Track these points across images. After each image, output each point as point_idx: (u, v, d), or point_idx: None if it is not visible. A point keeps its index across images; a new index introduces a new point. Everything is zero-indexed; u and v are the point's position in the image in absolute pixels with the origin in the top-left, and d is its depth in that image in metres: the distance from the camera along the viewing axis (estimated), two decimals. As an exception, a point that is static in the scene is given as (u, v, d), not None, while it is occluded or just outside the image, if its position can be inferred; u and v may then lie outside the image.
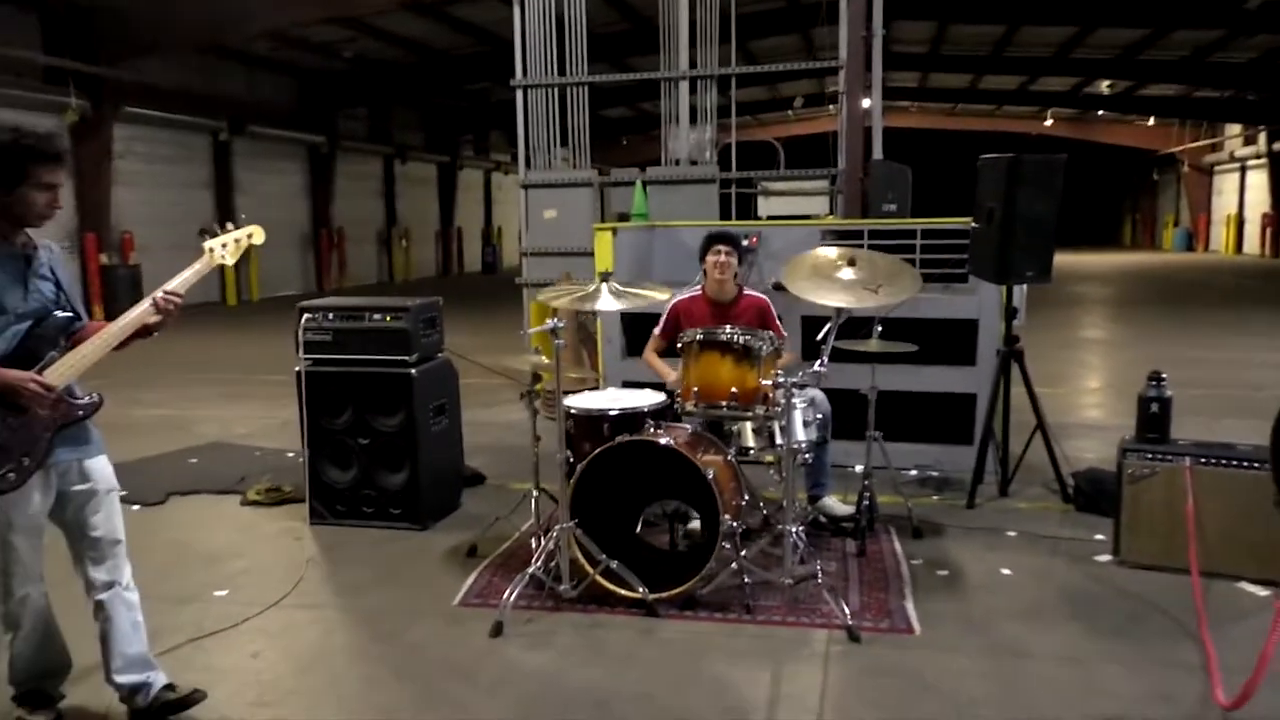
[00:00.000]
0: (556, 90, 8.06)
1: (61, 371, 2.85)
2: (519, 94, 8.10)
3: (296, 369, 5.02)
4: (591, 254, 7.86)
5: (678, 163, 7.88)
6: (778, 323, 4.83)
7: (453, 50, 22.16)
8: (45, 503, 2.96)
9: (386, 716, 3.18)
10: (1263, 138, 30.60)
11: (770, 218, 7.98)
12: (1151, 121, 35.65)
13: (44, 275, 2.97)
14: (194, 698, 3.09)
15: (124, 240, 17.36)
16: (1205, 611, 3.67)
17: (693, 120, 7.88)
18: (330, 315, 5.01)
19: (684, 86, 7.86)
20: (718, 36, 7.97)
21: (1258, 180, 31.54)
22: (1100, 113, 35.10)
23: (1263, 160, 30.76)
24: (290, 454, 6.51)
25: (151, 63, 17.12)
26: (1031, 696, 3.24)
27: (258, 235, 3.27)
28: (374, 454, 5.01)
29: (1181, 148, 35.84)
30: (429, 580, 4.34)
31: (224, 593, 4.20)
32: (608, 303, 4.00)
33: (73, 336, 2.98)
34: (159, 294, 2.94)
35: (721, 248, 4.79)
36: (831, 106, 30.10)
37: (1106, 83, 29.17)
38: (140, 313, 2.94)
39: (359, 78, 22.74)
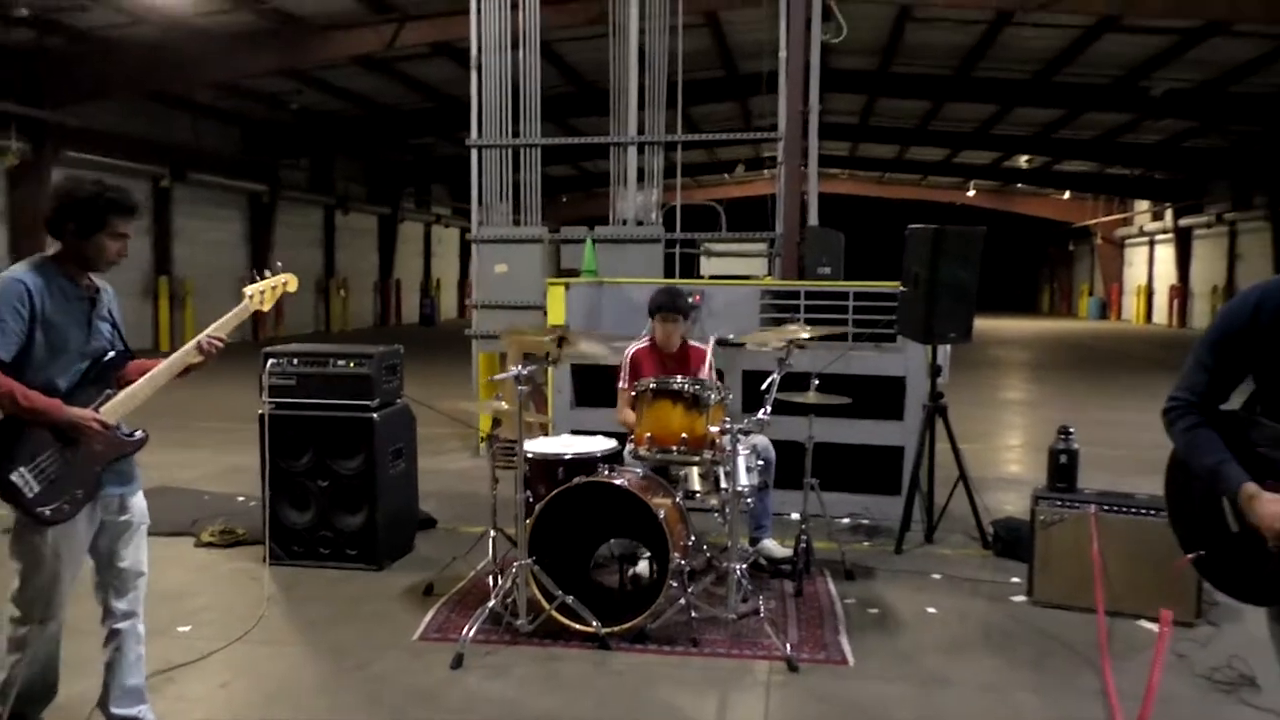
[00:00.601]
0: (510, 150, 8.39)
1: (115, 409, 3.04)
2: (474, 153, 8.42)
3: (260, 412, 5.18)
4: (540, 308, 8.19)
5: (625, 223, 8.26)
6: (713, 373, 5.14)
7: (399, 105, 22.50)
8: (89, 534, 3.11)
9: (362, 735, 3.35)
10: (1169, 214, 32.43)
11: (712, 277, 8.36)
12: (1067, 195, 37.48)
13: (104, 316, 3.16)
14: None
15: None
16: (1108, 646, 4.04)
17: (639, 182, 8.28)
18: (294, 360, 5.20)
19: (632, 151, 8.27)
20: (664, 103, 8.42)
21: (1165, 254, 33.32)
22: (1019, 185, 36.82)
23: (1169, 235, 32.54)
24: (240, 498, 6.61)
25: (93, 107, 17.11)
26: (943, 713, 3.55)
27: (292, 284, 3.50)
28: (333, 496, 5.18)
29: (1095, 221, 37.73)
30: (388, 617, 4.51)
31: (187, 628, 4.31)
32: (589, 346, 4.29)
33: (118, 378, 3.17)
34: (203, 337, 3.16)
35: (664, 315, 5.10)
36: (767, 171, 31.17)
37: (1025, 158, 30.72)
38: (183, 354, 3.15)
39: (303, 128, 22.90)
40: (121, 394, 3.10)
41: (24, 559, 3.05)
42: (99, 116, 17.50)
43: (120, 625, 3.21)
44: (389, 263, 30.73)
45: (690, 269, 8.71)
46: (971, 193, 37.43)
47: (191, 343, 3.19)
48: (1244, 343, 2.34)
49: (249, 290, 3.44)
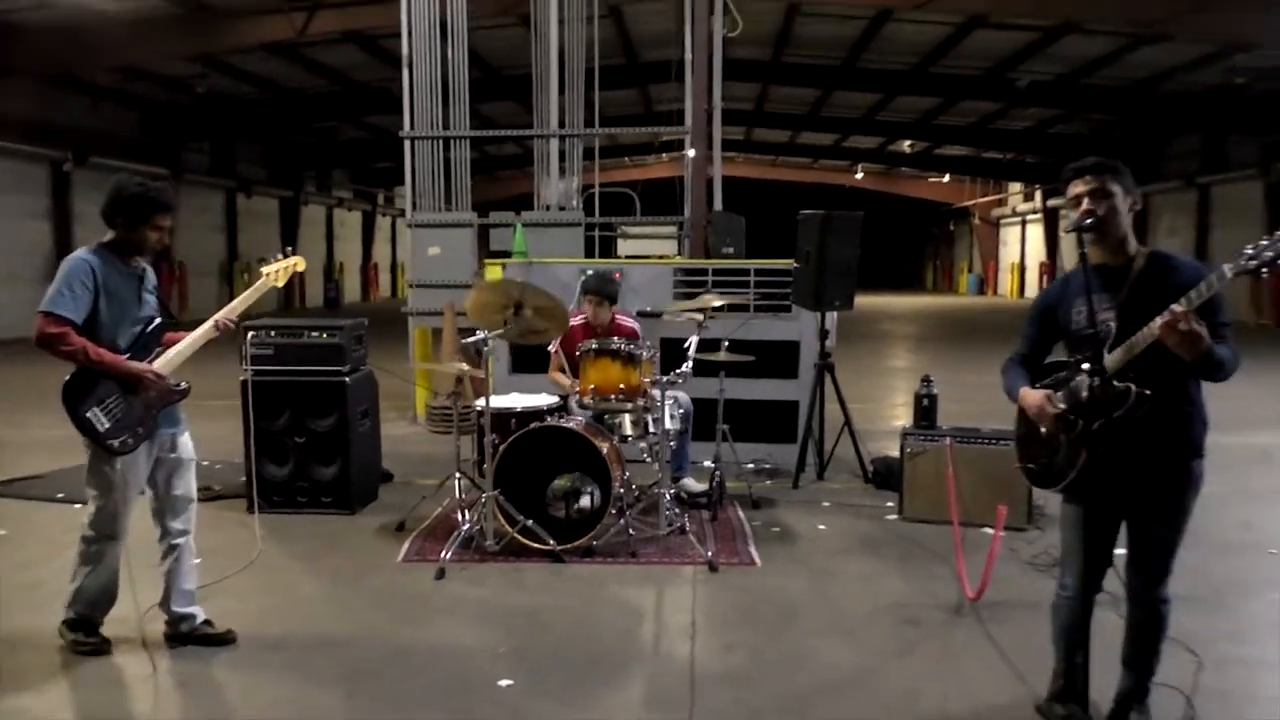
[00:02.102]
0: (441, 141, 9.10)
1: (163, 365, 3.77)
2: (407, 144, 9.10)
3: (242, 378, 5.85)
4: (470, 286, 8.95)
5: (549, 208, 9.08)
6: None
7: (303, 89, 22.63)
8: (148, 466, 3.86)
9: (371, 629, 4.16)
10: (1039, 195, 34.80)
11: (629, 257, 9.25)
12: (947, 178, 39.66)
13: (150, 291, 3.89)
14: (227, 637, 3.96)
15: (-42, 270, 16.95)
16: (961, 545, 5.11)
17: (561, 172, 9.12)
18: (272, 332, 5.90)
19: (554, 143, 9.09)
20: (582, 94, 9.27)
21: (1035, 233, 35.74)
22: (903, 169, 38.80)
23: (1039, 215, 34.93)
24: (205, 462, 7.21)
25: (-7, 90, 16.94)
26: (838, 599, 4.57)
27: (301, 264, 4.28)
28: (309, 451, 5.92)
29: (973, 202, 40.05)
30: (370, 548, 5.31)
31: (197, 560, 5.00)
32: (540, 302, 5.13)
33: (165, 336, 3.89)
34: (220, 316, 3.89)
35: (593, 298, 6.00)
36: (665, 155, 32.19)
37: (908, 143, 32.52)
38: (203, 331, 3.88)
39: (205, 111, 22.79)
40: (168, 353, 3.84)
41: (98, 486, 3.78)
42: (5, 101, 17.32)
43: (177, 541, 3.96)
44: (292, 246, 30.55)
45: (608, 249, 9.59)
46: (860, 175, 39.27)
47: (209, 322, 3.92)
48: (1051, 311, 3.22)
49: (266, 270, 4.19)
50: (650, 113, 26.88)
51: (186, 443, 4.01)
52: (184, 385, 3.90)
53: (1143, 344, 2.82)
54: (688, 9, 9.41)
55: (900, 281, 46.59)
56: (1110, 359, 2.89)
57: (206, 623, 4.00)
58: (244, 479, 6.26)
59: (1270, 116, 20.75)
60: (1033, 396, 3.11)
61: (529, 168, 32.37)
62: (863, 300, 6.88)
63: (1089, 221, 2.95)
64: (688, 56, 9.32)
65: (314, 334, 5.90)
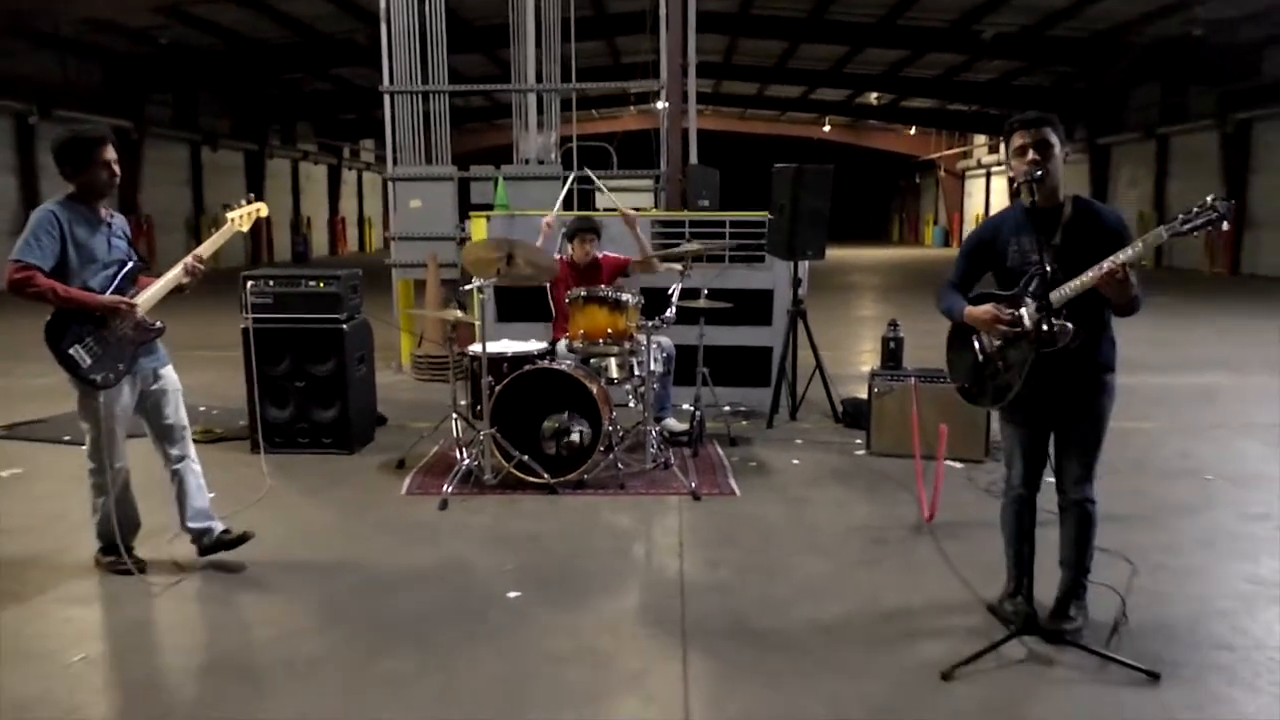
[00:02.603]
0: (420, 95, 9.27)
1: (146, 301, 4.02)
2: (386, 99, 9.26)
3: (243, 326, 6.11)
4: (452, 239, 9.22)
5: (528, 162, 9.31)
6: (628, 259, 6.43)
7: (267, 40, 22.43)
8: (132, 399, 4.14)
9: (384, 551, 4.51)
10: (1004, 147, 35.21)
11: (607, 209, 9.52)
12: (913, 131, 40.02)
13: (119, 236, 4.13)
14: (246, 536, 4.30)
15: (-74, 225, 16.82)
16: (922, 475, 5.53)
17: (540, 126, 9.33)
18: (270, 282, 6.15)
19: (531, 98, 9.30)
20: (558, 51, 9.47)
21: (1000, 185, 36.21)
22: (870, 121, 39.07)
23: (1003, 168, 35.31)
24: (201, 408, 7.48)
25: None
26: (811, 522, 4.98)
27: (264, 210, 4.50)
28: (309, 394, 6.21)
29: (938, 154, 40.45)
30: (373, 484, 5.64)
31: (211, 495, 5.30)
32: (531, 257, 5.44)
33: (135, 282, 4.13)
34: (188, 259, 4.12)
35: (589, 236, 6.31)
36: (634, 108, 32.20)
37: (875, 95, 32.79)
38: (174, 274, 4.11)
39: (168, 63, 22.54)
40: (142, 294, 4.09)
41: (88, 419, 4.07)
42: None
43: (177, 466, 4.26)
44: (255, 194, 30.38)
45: (587, 202, 9.85)
46: (827, 128, 39.49)
47: (179, 265, 4.14)
48: (984, 248, 3.67)
49: (231, 215, 4.44)
50: (619, 65, 26.91)
51: (170, 374, 4.27)
52: (159, 324, 4.13)
53: (1084, 287, 3.21)
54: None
55: (867, 233, 47.07)
56: (1054, 295, 3.27)
57: (225, 531, 4.30)
58: (243, 422, 6.56)
59: (1227, 67, 21.27)
60: (980, 311, 3.50)
61: (498, 120, 32.39)
62: (831, 253, 7.22)
63: (1038, 174, 3.32)
64: (662, 11, 9.52)
65: (312, 283, 6.15)
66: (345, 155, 37.29)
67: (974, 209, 38.94)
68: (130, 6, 17.05)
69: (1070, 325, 3.26)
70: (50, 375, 8.35)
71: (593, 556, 4.46)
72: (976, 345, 3.64)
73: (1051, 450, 3.64)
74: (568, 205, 9.35)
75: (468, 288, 5.55)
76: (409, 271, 9.36)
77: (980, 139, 37.80)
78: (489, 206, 8.81)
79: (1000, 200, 36.01)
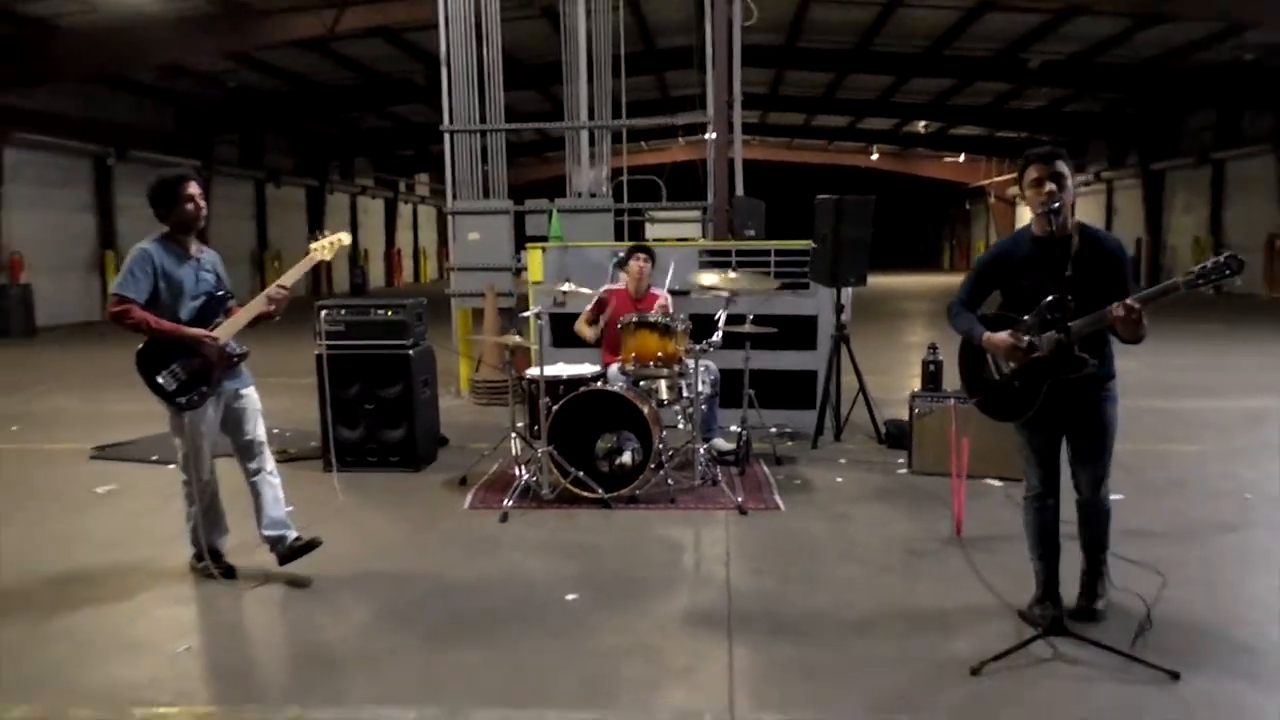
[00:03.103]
0: (478, 135, 9.74)
1: (223, 332, 4.41)
2: (446, 137, 9.74)
3: (316, 352, 6.54)
4: (507, 269, 9.63)
5: (580, 195, 9.72)
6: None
7: (329, 81, 23.31)
8: (217, 417, 4.52)
9: (450, 560, 4.85)
10: (1020, 179, 34.99)
11: (656, 239, 9.88)
12: (962, 158, 39.96)
13: (207, 270, 4.53)
14: (315, 542, 4.61)
15: (14, 261, 17.74)
16: (959, 493, 5.73)
17: (591, 159, 9.75)
18: (343, 311, 6.58)
19: (584, 134, 9.72)
20: (608, 87, 9.89)
21: (1051, 210, 35.96)
22: (919, 149, 39.11)
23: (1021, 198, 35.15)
24: (276, 430, 7.91)
25: (42, 91, 17.68)
26: (852, 535, 5.22)
27: (346, 239, 4.86)
28: (377, 415, 6.61)
29: (988, 181, 40.27)
30: (438, 499, 5.99)
31: (290, 508, 5.69)
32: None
33: (227, 311, 4.53)
34: (272, 288, 4.51)
35: (642, 255, 6.67)
36: (683, 139, 32.70)
37: (922, 123, 32.90)
38: (258, 303, 4.50)
39: (236, 105, 23.51)
40: (227, 322, 4.47)
41: (179, 435, 4.46)
42: (49, 99, 18.08)
43: (254, 479, 4.62)
44: (320, 229, 31.37)
45: (636, 233, 10.22)
46: (875, 156, 39.62)
47: (262, 294, 4.52)
48: (995, 270, 3.95)
49: (314, 245, 4.80)
50: (667, 98, 27.39)
51: (251, 394, 4.63)
52: (242, 349, 4.52)
53: (1103, 323, 3.51)
54: (707, 4, 9.98)
55: (918, 261, 46.94)
56: (1074, 326, 3.52)
57: (297, 538, 4.63)
58: (315, 443, 6.97)
59: (1281, 91, 21.09)
60: (1000, 338, 3.75)
61: (549, 154, 32.96)
62: (880, 280, 7.51)
63: (1056, 205, 3.58)
64: (708, 49, 9.90)
65: (380, 312, 6.56)
66: (401, 189, 38.28)
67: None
68: (201, 52, 17.89)
69: (1089, 358, 3.54)
70: (133, 402, 8.94)
71: (645, 565, 4.74)
72: (991, 365, 3.91)
73: (1065, 458, 3.91)
74: (618, 236, 9.75)
75: (525, 314, 5.91)
76: (467, 300, 9.78)
77: (1031, 165, 37.61)
78: (543, 237, 9.21)
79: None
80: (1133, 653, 3.52)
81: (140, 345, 4.38)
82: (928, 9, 18.52)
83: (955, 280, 27.93)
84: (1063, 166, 3.66)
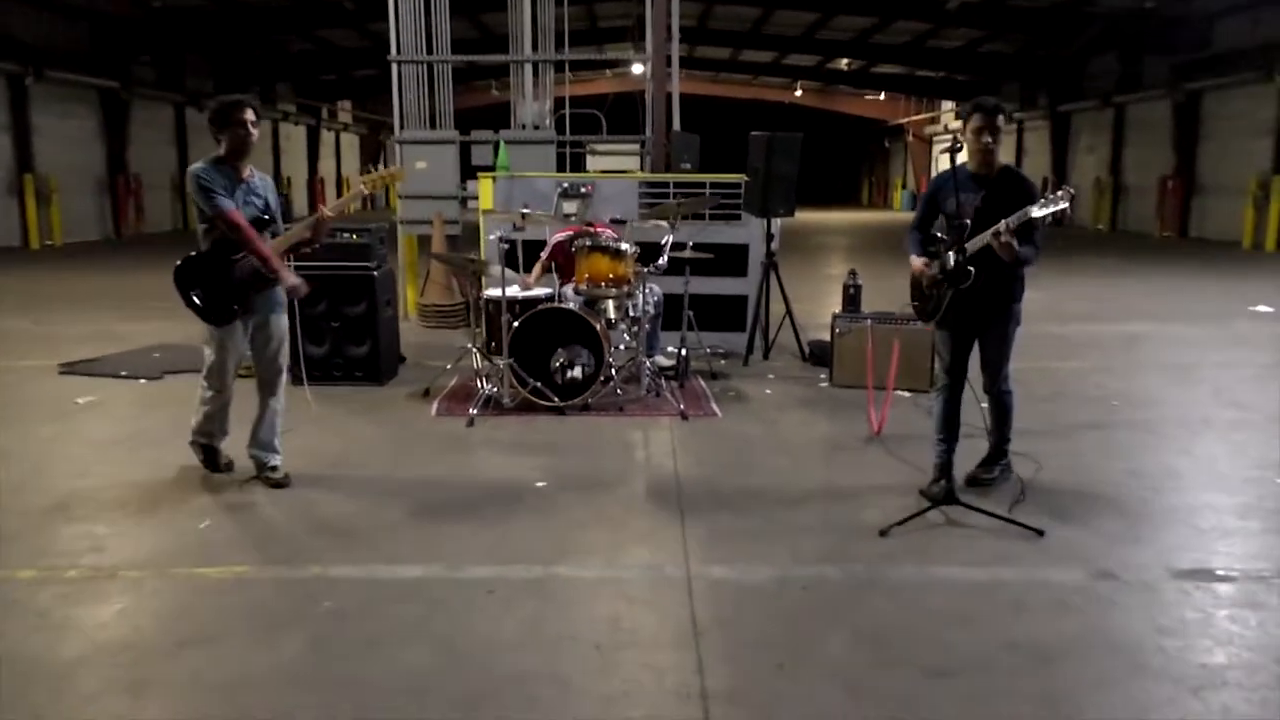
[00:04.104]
0: (425, 66, 10.04)
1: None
2: (394, 68, 10.01)
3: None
4: (455, 197, 10.05)
5: (524, 127, 10.13)
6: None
7: (254, 2, 22.82)
8: (245, 337, 4.90)
9: (426, 457, 5.43)
10: (963, 122, 36.19)
11: (598, 171, 10.37)
12: (883, 96, 40.87)
13: (256, 193, 4.83)
14: (283, 483, 4.95)
15: (-73, 182, 17.31)
16: (873, 401, 6.51)
17: (535, 94, 10.15)
18: (310, 235, 6.97)
19: (528, 67, 10.10)
20: (552, 30, 10.27)
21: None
22: (841, 86, 39.85)
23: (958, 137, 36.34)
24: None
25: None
26: (781, 435, 5.96)
27: (400, 176, 5.20)
28: (343, 333, 7.08)
29: (907, 120, 41.36)
30: (405, 408, 6.54)
31: (288, 430, 6.17)
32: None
33: (272, 235, 4.89)
34: (315, 215, 4.91)
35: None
36: (609, 71, 32.75)
37: (845, 61, 33.55)
38: (300, 229, 4.90)
39: (155, 24, 22.86)
40: (272, 242, 4.89)
41: (208, 346, 4.88)
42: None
43: (263, 401, 5.06)
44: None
45: (578, 165, 10.69)
46: (799, 93, 40.22)
47: (306, 220, 4.93)
48: (933, 197, 4.68)
49: (364, 179, 5.19)
50: (595, 28, 27.54)
51: (279, 321, 5.02)
52: (274, 273, 4.94)
53: (980, 244, 4.26)
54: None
55: (837, 197, 47.99)
56: (968, 245, 4.26)
57: (273, 469, 5.02)
58: (282, 360, 7.40)
59: (1180, 39, 22.29)
60: (916, 264, 4.64)
61: (474, 81, 32.46)
62: (803, 215, 8.15)
63: (989, 150, 4.45)
64: (648, -11, 10.30)
65: (346, 235, 6.99)
66: (324, 116, 37.57)
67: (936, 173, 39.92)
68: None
69: (972, 270, 4.29)
70: (83, 324, 9.30)
71: (602, 459, 5.41)
72: (923, 281, 4.66)
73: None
74: (560, 167, 10.22)
75: (495, 236, 6.43)
76: (414, 228, 10.18)
77: (947, 105, 38.70)
78: (489, 167, 9.64)
79: (966, 165, 36.99)
80: (1009, 517, 4.33)
81: (179, 262, 4.71)
82: (853, -51, 19.05)
83: (873, 217, 29.19)
84: (1000, 121, 4.46)
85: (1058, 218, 4.15)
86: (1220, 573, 3.86)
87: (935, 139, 40.67)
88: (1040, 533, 4.21)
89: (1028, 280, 4.70)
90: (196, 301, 4.77)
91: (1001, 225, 4.23)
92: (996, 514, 4.35)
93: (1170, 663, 3.14)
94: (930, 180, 4.95)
